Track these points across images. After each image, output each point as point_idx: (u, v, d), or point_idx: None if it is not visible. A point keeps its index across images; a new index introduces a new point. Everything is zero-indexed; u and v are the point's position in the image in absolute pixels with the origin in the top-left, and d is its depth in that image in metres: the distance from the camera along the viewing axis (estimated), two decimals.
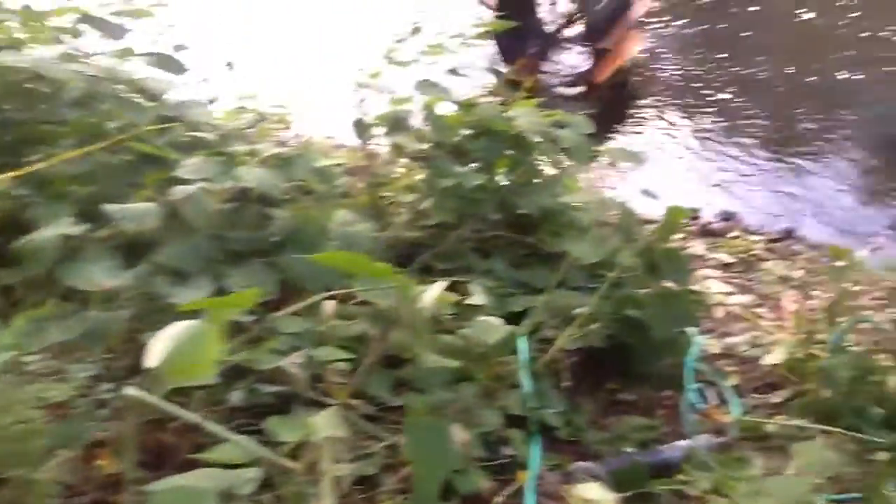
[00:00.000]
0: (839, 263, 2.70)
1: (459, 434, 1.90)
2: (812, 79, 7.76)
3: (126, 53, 2.73)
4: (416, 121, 3.01)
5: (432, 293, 1.57)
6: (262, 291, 1.52)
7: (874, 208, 5.72)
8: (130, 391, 1.19)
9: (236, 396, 1.78)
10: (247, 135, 3.62)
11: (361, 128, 3.04)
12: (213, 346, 1.14)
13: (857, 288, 3.57)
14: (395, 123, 2.97)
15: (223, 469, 1.42)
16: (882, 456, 2.02)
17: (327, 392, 1.77)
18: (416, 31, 3.43)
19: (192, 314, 1.32)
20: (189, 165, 2.12)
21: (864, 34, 8.38)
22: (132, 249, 2.05)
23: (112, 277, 1.79)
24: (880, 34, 8.31)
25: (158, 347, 1.14)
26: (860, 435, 2.30)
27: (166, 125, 2.53)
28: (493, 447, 2.10)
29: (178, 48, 2.88)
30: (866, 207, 5.75)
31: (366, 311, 2.06)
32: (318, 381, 1.87)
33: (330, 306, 1.87)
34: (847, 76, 7.70)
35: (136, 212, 2.00)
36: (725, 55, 8.25)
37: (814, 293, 3.56)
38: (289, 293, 2.11)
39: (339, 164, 3.51)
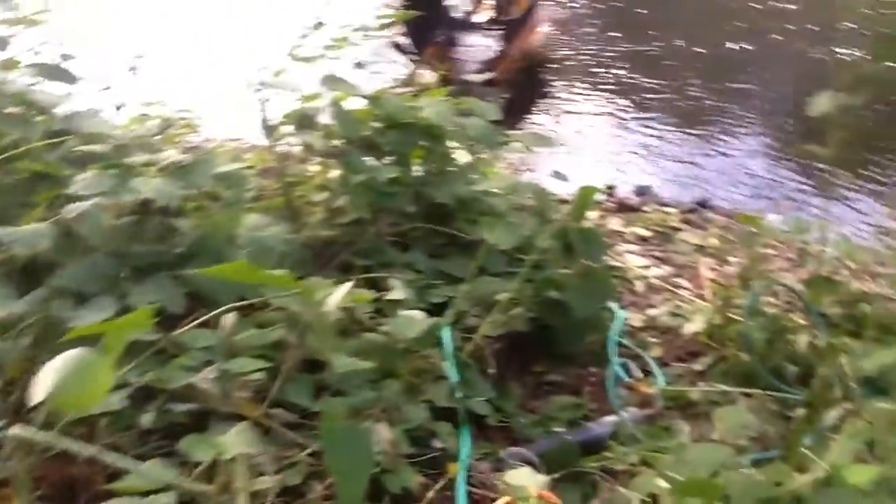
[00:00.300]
0: (750, 230, 2.76)
1: (385, 433, 1.88)
2: (708, 50, 8.00)
3: (10, 65, 2.60)
4: (326, 117, 2.95)
5: (337, 296, 1.53)
6: (162, 308, 1.46)
7: (780, 172, 5.93)
8: (16, 430, 1.12)
9: (147, 419, 1.71)
10: (151, 143, 3.49)
11: (269, 128, 2.96)
12: (103, 374, 1.08)
13: (768, 251, 3.69)
14: (304, 121, 2.90)
15: (139, 497, 1.36)
16: (799, 412, 2.07)
17: (243, 405, 1.72)
18: (319, 25, 3.36)
19: (89, 339, 1.26)
20: (82, 180, 2.02)
21: (753, 5, 8.69)
22: (29, 274, 1.96)
23: (4, 306, 1.69)
24: (769, 4, 8.62)
25: (45, 380, 1.07)
26: (778, 393, 2.37)
27: (58, 139, 2.41)
28: (423, 442, 2.07)
29: (66, 57, 2.75)
30: (772, 171, 5.95)
31: (282, 316, 2.01)
32: (234, 394, 1.81)
33: (230, 320, 1.81)
34: (739, 47, 7.97)
35: (27, 234, 1.90)
36: (624, 34, 8.43)
37: (729, 260, 3.65)
38: (201, 305, 2.05)
39: (248, 167, 3.43)
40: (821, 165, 5.33)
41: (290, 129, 2.99)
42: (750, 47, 7.95)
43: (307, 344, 1.71)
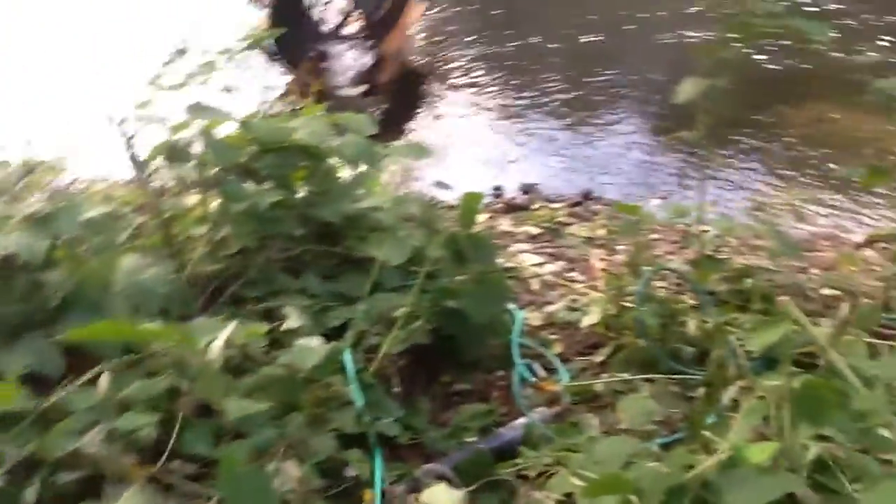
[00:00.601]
0: (631, 218, 2.83)
1: (293, 471, 1.81)
2: (564, 45, 8.25)
3: None
4: (198, 147, 2.84)
5: (221, 340, 1.46)
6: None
7: (657, 159, 6.15)
8: None
9: (31, 494, 1.58)
10: (12, 191, 3.28)
11: (138, 163, 2.82)
12: None
13: (653, 237, 3.81)
14: (175, 153, 2.78)
15: None
16: (699, 392, 2.13)
17: (130, 469, 1.61)
18: (182, 51, 3.23)
19: None
20: None
21: None
22: None
23: None
24: None
25: None
26: (678, 376, 2.44)
27: None
28: (334, 473, 2.01)
29: None
30: (650, 159, 6.17)
31: (171, 361, 1.91)
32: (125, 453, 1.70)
33: (104, 380, 1.70)
34: (597, 39, 8.27)
35: None
36: (484, 36, 8.58)
37: (617, 249, 3.74)
38: (83, 360, 1.92)
39: (122, 205, 3.26)
40: (693, 149, 5.58)
41: (161, 162, 2.86)
42: (604, 38, 8.25)
43: (198, 391, 1.62)
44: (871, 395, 1.30)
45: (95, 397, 1.72)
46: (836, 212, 5.06)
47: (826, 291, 2.98)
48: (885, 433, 1.48)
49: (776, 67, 7.13)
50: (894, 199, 4.77)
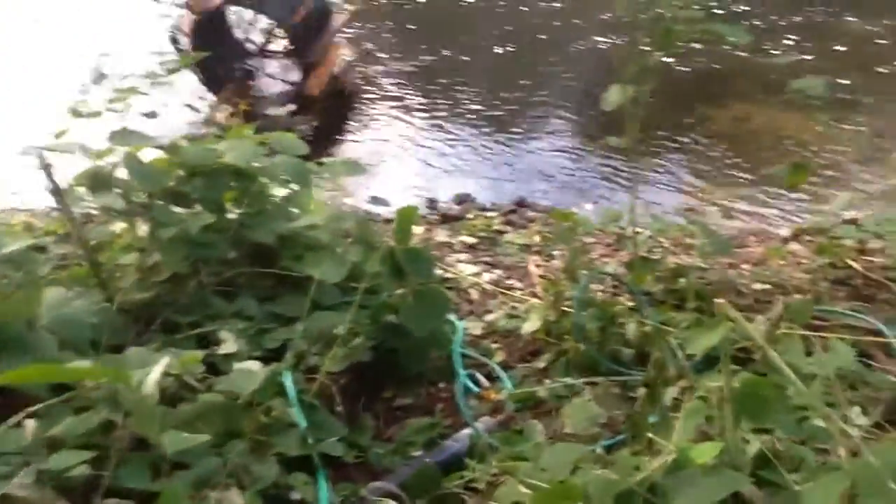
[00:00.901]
0: (566, 225, 2.86)
1: (236, 499, 1.76)
2: (495, 54, 8.36)
3: None
4: (123, 173, 2.76)
5: (156, 374, 1.41)
6: None
7: (585, 164, 6.26)
8: None
9: None
10: None
11: (59, 193, 2.72)
12: None
13: (589, 241, 3.86)
14: (98, 181, 2.70)
15: None
16: (641, 392, 2.15)
17: None
18: (101, 77, 3.14)
19: None
20: None
21: (522, 7, 9.20)
22: None
23: None
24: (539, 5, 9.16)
25: None
26: (619, 378, 2.47)
27: None
28: (279, 499, 1.97)
29: None
30: (579, 164, 6.27)
31: (103, 394, 1.84)
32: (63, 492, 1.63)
33: (30, 424, 1.63)
34: (513, 49, 8.41)
35: None
36: (401, 51, 8.64)
37: (554, 255, 3.78)
38: (13, 398, 1.84)
39: (44, 236, 3.16)
40: (621, 153, 5.70)
41: (84, 190, 2.77)
42: (520, 48, 8.39)
43: (133, 427, 1.56)
44: (809, 391, 1.33)
45: (24, 438, 1.64)
46: (761, 208, 5.23)
47: (757, 286, 3.06)
48: (822, 424, 1.52)
49: (688, 69, 7.33)
50: (816, 193, 4.96)
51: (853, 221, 3.83)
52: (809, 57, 7.54)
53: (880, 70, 7.37)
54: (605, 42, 7.88)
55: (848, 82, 6.91)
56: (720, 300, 1.31)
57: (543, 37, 8.58)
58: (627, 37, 2.77)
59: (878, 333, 2.52)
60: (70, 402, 1.85)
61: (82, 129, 2.92)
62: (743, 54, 7.41)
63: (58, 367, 1.40)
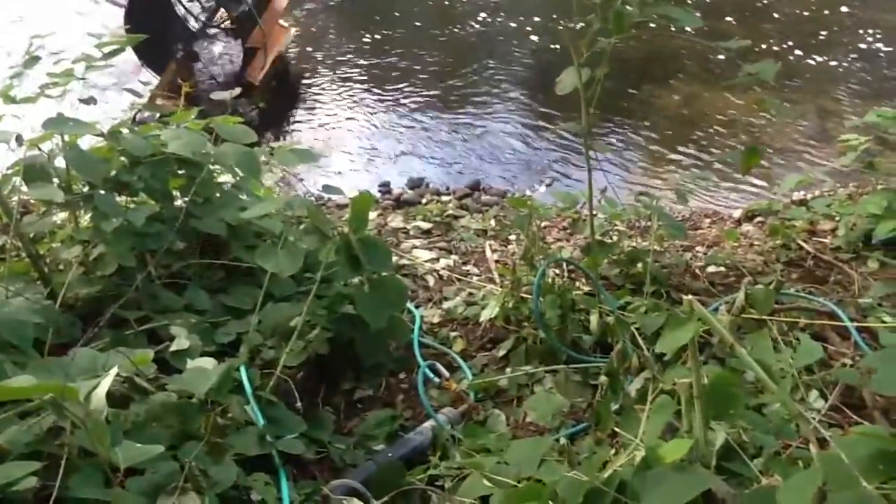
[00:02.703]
0: (521, 211, 2.83)
1: None
2: (443, 36, 8.28)
3: None
4: (61, 162, 2.63)
5: (104, 387, 1.34)
6: None
7: (541, 145, 6.24)
8: None
9: None
10: None
11: None
12: None
13: (544, 224, 3.84)
14: (33, 172, 2.57)
15: None
16: (602, 380, 2.14)
17: None
18: (33, 60, 2.98)
19: None
20: None
21: None
22: None
23: None
24: None
25: None
26: (580, 365, 2.46)
27: None
28: (239, 501, 1.91)
29: None
30: (533, 147, 6.25)
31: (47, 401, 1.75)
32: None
33: None
34: (460, 31, 8.35)
35: None
36: (347, 32, 8.50)
37: (510, 239, 3.76)
38: None
39: None
40: (572, 136, 5.69)
41: (20, 180, 2.64)
42: (466, 30, 8.33)
43: (83, 441, 1.49)
44: (780, 389, 1.33)
45: None
46: (713, 189, 5.29)
47: (712, 269, 3.08)
48: (782, 410, 1.53)
49: (634, 49, 7.34)
50: (765, 174, 5.03)
51: (803, 202, 3.89)
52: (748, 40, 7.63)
53: (816, 50, 7.50)
54: (540, 23, 7.86)
55: (790, 61, 7.03)
56: (687, 297, 1.29)
57: (493, 17, 8.53)
58: (579, 18, 2.74)
59: (831, 315, 2.56)
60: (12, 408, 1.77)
61: (16, 115, 2.79)
62: (686, 35, 7.46)
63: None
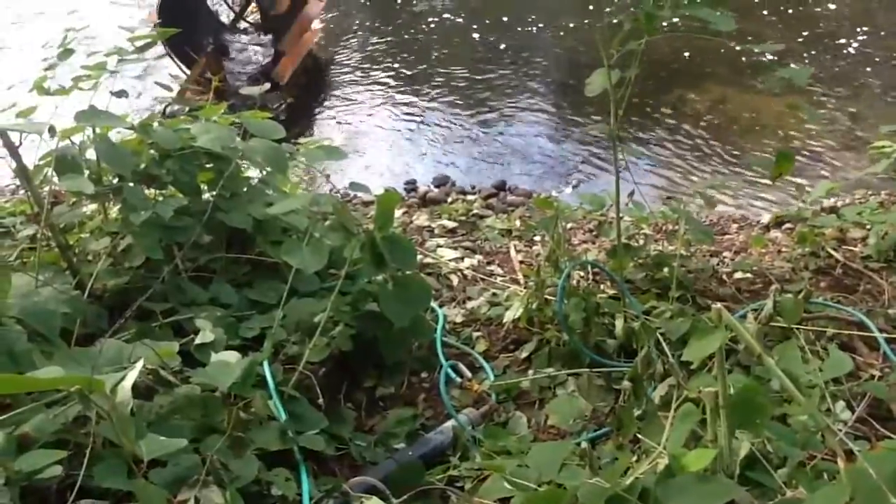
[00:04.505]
0: (548, 213, 2.81)
1: (215, 498, 1.71)
2: (472, 38, 8.26)
3: None
4: (92, 154, 2.66)
5: (131, 380, 1.35)
6: None
7: (568, 146, 6.20)
8: None
9: None
10: None
11: (26, 175, 2.62)
12: None
13: (569, 226, 3.83)
14: (65, 163, 2.60)
15: None
16: (625, 384, 2.13)
17: None
18: (66, 53, 3.01)
19: None
20: None
21: None
22: None
23: None
24: None
25: None
26: (603, 369, 2.44)
27: None
28: (260, 496, 1.92)
29: None
30: (559, 148, 6.22)
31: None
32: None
33: None
34: (509, 29, 8.31)
35: None
36: (378, 29, 8.50)
37: (535, 240, 3.74)
38: None
39: (8, 216, 3.05)
40: (601, 138, 5.65)
41: (52, 171, 2.67)
42: (497, 33, 8.29)
43: (107, 433, 1.50)
44: (808, 402, 1.31)
45: None
46: (742, 194, 5.23)
47: (739, 275, 3.05)
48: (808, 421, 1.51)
49: (665, 49, 7.28)
50: (795, 180, 4.97)
51: (833, 210, 3.84)
52: (781, 45, 7.51)
53: (848, 54, 7.37)
54: (585, 24, 7.80)
55: (822, 64, 6.93)
56: (716, 305, 1.27)
57: (524, 17, 8.48)
58: (609, 20, 2.72)
59: (860, 325, 2.52)
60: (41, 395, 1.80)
61: (49, 106, 2.82)
62: (719, 37, 7.36)
63: (25, 377, 1.33)
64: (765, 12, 8.05)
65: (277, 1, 7.43)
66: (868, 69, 7.05)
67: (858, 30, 7.74)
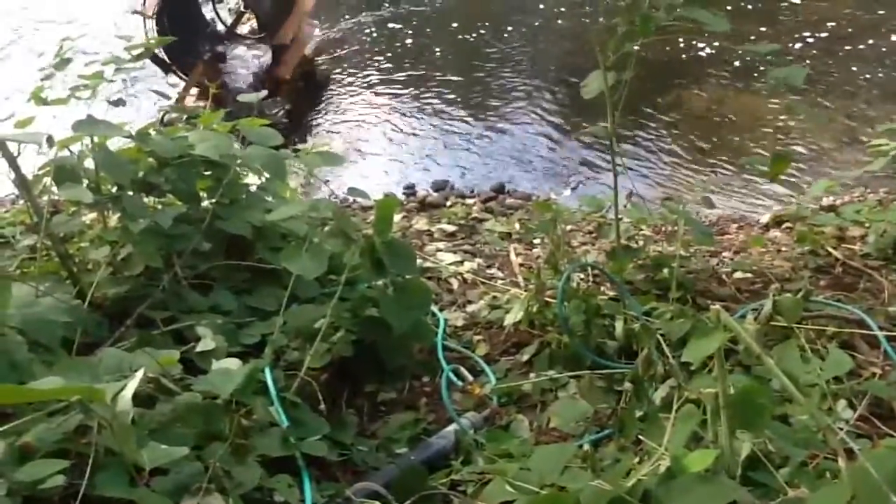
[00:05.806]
0: (546, 215, 2.82)
1: None
2: (466, 41, 8.26)
3: None
4: (91, 163, 2.67)
5: (130, 391, 1.35)
6: None
7: (566, 149, 6.20)
8: None
9: None
10: None
11: (25, 185, 2.62)
12: None
13: (569, 228, 3.83)
14: (63, 172, 2.60)
15: None
16: (627, 386, 2.13)
17: None
18: (63, 63, 3.02)
19: None
20: None
21: None
22: None
23: None
24: None
25: None
26: (604, 371, 2.44)
27: None
28: (262, 502, 1.92)
29: None
30: (557, 150, 6.22)
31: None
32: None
33: None
34: (506, 32, 8.31)
35: None
36: (385, 32, 8.51)
37: (534, 243, 3.75)
38: None
39: (7, 226, 3.06)
40: (599, 140, 5.65)
41: (50, 181, 2.68)
42: (490, 34, 8.29)
43: (109, 442, 1.50)
44: (808, 402, 1.31)
45: None
46: (739, 194, 5.23)
47: (739, 275, 3.05)
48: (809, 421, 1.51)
49: (661, 51, 7.26)
50: (793, 180, 4.97)
51: (832, 208, 3.84)
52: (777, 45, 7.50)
53: (845, 53, 7.37)
54: (579, 25, 7.82)
55: (818, 63, 6.93)
56: (715, 306, 1.28)
57: (521, 19, 8.49)
58: (604, 20, 2.73)
59: (860, 323, 2.52)
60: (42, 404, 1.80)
61: (47, 116, 2.83)
62: (714, 38, 7.37)
63: (27, 388, 1.33)
64: (756, 15, 8.06)
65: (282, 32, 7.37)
66: (867, 68, 7.05)
67: (857, 30, 7.74)
